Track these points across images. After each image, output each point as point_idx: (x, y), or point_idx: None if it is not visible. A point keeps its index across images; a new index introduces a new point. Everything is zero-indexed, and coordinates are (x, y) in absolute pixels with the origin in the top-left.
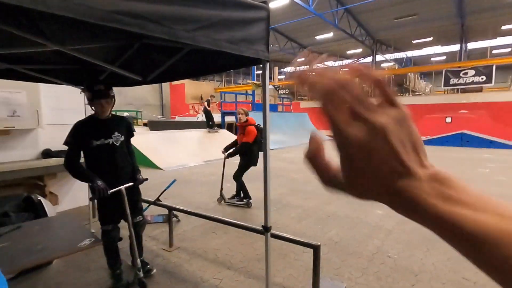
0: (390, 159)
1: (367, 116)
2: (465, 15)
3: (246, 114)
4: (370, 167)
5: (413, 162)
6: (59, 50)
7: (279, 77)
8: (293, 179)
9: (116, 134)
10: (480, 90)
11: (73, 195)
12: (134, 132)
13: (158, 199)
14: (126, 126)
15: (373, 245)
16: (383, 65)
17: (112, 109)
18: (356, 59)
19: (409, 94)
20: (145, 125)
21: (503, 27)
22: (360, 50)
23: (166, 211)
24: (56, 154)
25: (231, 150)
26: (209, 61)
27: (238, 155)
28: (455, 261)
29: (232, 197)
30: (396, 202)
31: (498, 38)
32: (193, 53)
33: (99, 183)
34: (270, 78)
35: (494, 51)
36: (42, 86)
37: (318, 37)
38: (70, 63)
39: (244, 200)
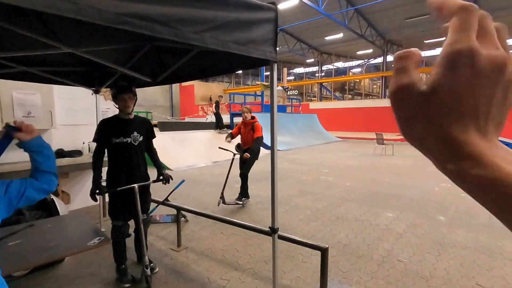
0: (483, 104)
1: (499, 46)
2: None
3: (251, 112)
4: (467, 94)
5: (492, 126)
6: (71, 52)
7: (288, 78)
8: (302, 181)
9: (135, 133)
10: None
11: (85, 195)
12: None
13: (166, 199)
14: (146, 128)
15: (383, 248)
16: None
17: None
18: (366, 60)
19: None
20: (155, 126)
21: None
22: (370, 50)
23: (174, 211)
24: (69, 154)
25: (251, 149)
26: (218, 62)
27: (236, 152)
28: (468, 266)
29: (240, 198)
30: (452, 151)
31: None
32: (202, 54)
33: (93, 188)
34: (279, 79)
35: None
36: (55, 87)
37: (327, 38)
38: (82, 65)
39: (243, 199)
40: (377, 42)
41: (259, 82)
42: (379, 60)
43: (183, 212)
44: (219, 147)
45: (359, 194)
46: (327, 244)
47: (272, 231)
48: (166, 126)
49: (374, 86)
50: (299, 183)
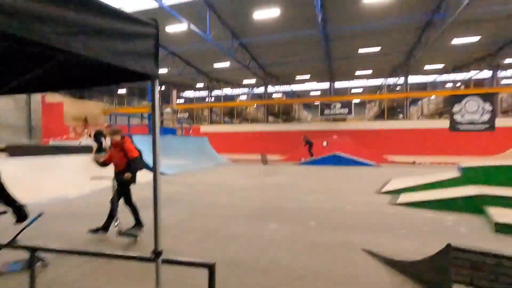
0: None
1: None
2: (331, 60)
3: (118, 132)
4: None
5: None
6: None
7: (178, 101)
8: (192, 203)
9: None
10: (344, 119)
11: None
12: None
13: (13, 240)
14: None
15: (268, 257)
16: (274, 96)
17: None
18: (251, 88)
19: (295, 121)
20: (2, 150)
21: (357, 72)
22: (254, 80)
23: (27, 255)
24: None
25: (130, 173)
26: (92, 72)
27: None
28: (331, 260)
29: (135, 228)
30: None
31: (354, 80)
32: (70, 62)
33: None
34: (168, 101)
35: (353, 90)
36: None
37: (216, 65)
38: None
39: (139, 226)
40: (259, 73)
41: (147, 102)
42: (262, 89)
43: (41, 254)
44: (92, 178)
45: (247, 211)
46: (216, 262)
47: (156, 255)
48: (19, 151)
49: (259, 113)
50: (190, 206)
